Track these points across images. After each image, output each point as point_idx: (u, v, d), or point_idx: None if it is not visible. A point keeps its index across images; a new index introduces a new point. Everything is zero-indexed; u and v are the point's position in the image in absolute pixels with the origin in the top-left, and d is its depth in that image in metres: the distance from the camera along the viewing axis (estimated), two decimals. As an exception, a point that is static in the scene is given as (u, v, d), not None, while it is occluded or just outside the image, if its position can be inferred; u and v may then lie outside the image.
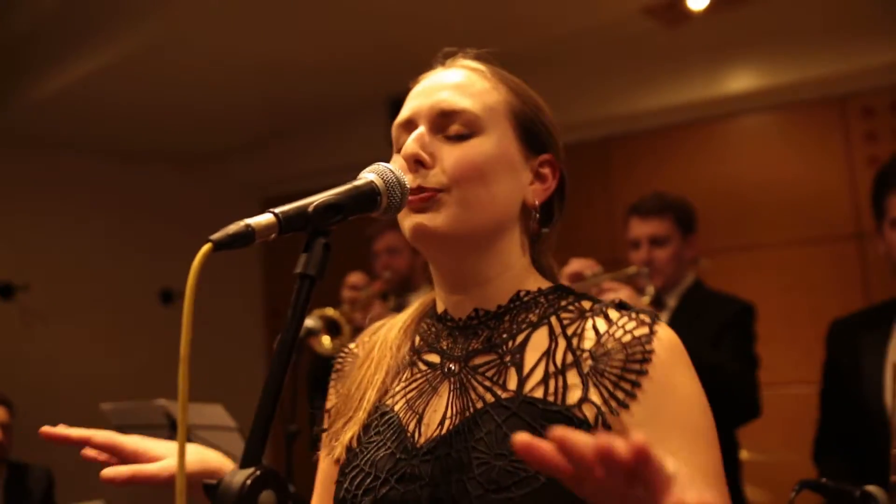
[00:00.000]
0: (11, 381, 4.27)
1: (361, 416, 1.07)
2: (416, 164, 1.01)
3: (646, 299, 2.46)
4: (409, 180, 0.99)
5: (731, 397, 2.32)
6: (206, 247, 0.80)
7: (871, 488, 1.51)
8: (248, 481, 0.76)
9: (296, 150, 5.93)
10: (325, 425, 1.16)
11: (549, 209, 1.11)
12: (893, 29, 4.16)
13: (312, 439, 1.19)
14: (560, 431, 0.64)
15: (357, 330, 2.87)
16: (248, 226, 0.83)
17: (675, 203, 2.65)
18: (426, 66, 1.15)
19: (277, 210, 0.86)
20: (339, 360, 1.20)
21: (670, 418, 0.94)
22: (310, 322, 2.75)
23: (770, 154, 4.64)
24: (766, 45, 4.48)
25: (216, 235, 0.81)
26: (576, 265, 2.37)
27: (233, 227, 0.82)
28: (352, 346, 1.21)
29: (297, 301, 0.85)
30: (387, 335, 1.14)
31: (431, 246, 1.03)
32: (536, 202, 1.06)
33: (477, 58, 1.12)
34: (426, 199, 0.99)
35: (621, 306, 1.02)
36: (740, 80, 4.62)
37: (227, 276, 4.92)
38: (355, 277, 3.29)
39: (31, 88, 4.74)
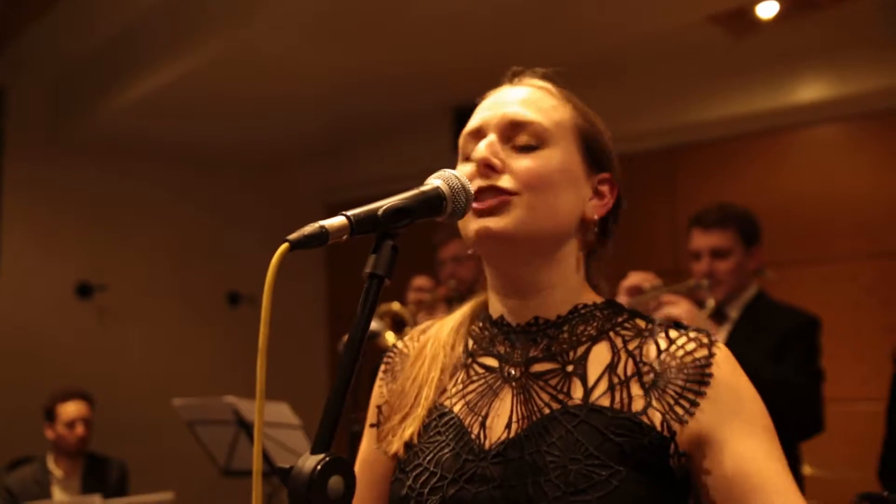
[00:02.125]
0: (89, 377, 4.41)
1: (421, 412, 1.08)
2: (487, 168, 1.03)
3: (706, 312, 2.45)
4: (474, 185, 1.02)
5: (795, 411, 2.29)
6: (284, 246, 0.84)
7: (935, 504, 1.50)
8: (319, 466, 0.80)
9: (359, 158, 6.02)
10: (374, 420, 1.17)
11: (604, 228, 1.13)
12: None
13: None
14: None
15: (421, 331, 2.87)
16: (322, 227, 0.86)
17: (737, 215, 2.63)
18: (491, 75, 1.17)
19: (349, 213, 0.89)
20: (389, 357, 1.21)
21: (747, 415, 0.98)
22: (374, 325, 2.78)
23: (841, 165, 4.54)
24: (837, 53, 4.39)
25: (293, 236, 0.85)
26: (634, 278, 2.37)
27: (308, 228, 0.85)
28: (399, 344, 1.22)
29: (367, 299, 0.88)
30: (438, 334, 1.16)
31: (494, 248, 1.05)
32: (595, 216, 1.09)
33: (544, 77, 1.15)
34: (496, 203, 1.01)
35: (678, 326, 1.05)
36: (810, 90, 4.53)
37: (292, 280, 5.00)
38: (421, 280, 3.33)
39: (112, 98, 4.90)
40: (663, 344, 1.02)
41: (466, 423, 1.05)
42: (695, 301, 2.43)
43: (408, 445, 1.07)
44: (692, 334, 1.02)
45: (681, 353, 1.00)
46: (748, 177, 4.70)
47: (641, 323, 1.07)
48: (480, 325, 1.14)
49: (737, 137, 4.82)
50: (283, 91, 4.86)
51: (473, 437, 1.03)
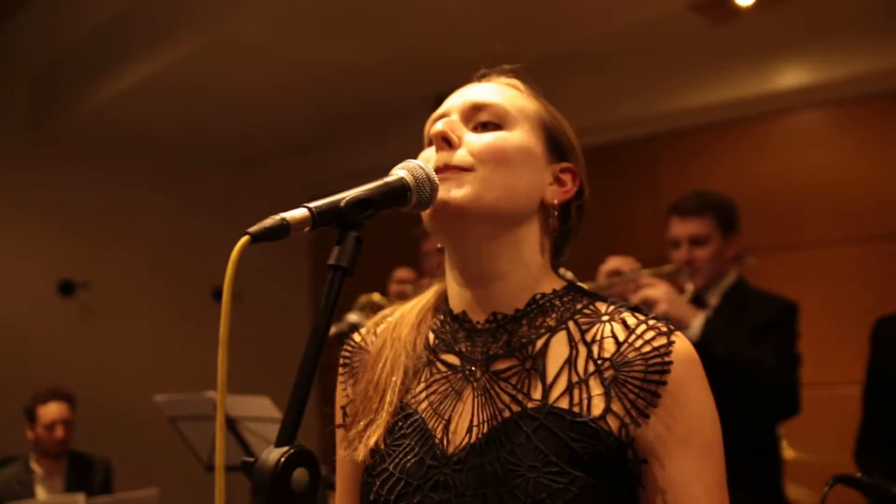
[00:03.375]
0: (71, 375, 4.41)
1: (385, 417, 1.06)
2: (444, 142, 1.03)
3: (685, 297, 2.46)
4: (431, 165, 1.01)
5: (771, 394, 2.30)
6: (244, 239, 0.83)
7: (907, 486, 1.51)
8: (283, 459, 0.79)
9: (344, 150, 5.99)
10: (339, 421, 1.16)
11: (566, 216, 1.12)
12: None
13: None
14: None
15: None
16: (283, 219, 0.85)
17: (715, 202, 2.63)
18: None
19: (311, 205, 0.88)
20: (346, 353, 1.19)
21: (684, 431, 0.96)
22: (353, 316, 2.78)
23: (821, 151, 4.55)
24: (816, 39, 4.38)
25: (253, 228, 0.84)
26: (614, 262, 2.37)
27: (269, 221, 0.85)
28: (357, 338, 1.20)
29: (330, 291, 0.88)
30: (398, 332, 1.13)
31: (450, 224, 1.03)
32: (555, 201, 1.07)
33: (510, 73, 1.15)
34: (450, 176, 1.01)
35: (636, 310, 1.04)
36: (791, 76, 4.53)
37: (275, 275, 5.01)
38: (403, 272, 3.31)
39: (94, 94, 4.87)
40: (622, 334, 1.01)
41: (430, 425, 1.04)
42: (675, 286, 2.43)
43: (374, 451, 1.05)
44: (651, 322, 1.01)
45: (639, 342, 0.99)
46: (729, 164, 4.71)
47: (602, 306, 1.06)
48: (441, 318, 1.12)
49: (718, 125, 4.83)
50: (266, 83, 4.84)
51: (437, 441, 1.02)
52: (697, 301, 2.54)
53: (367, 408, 1.10)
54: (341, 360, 1.19)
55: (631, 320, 1.02)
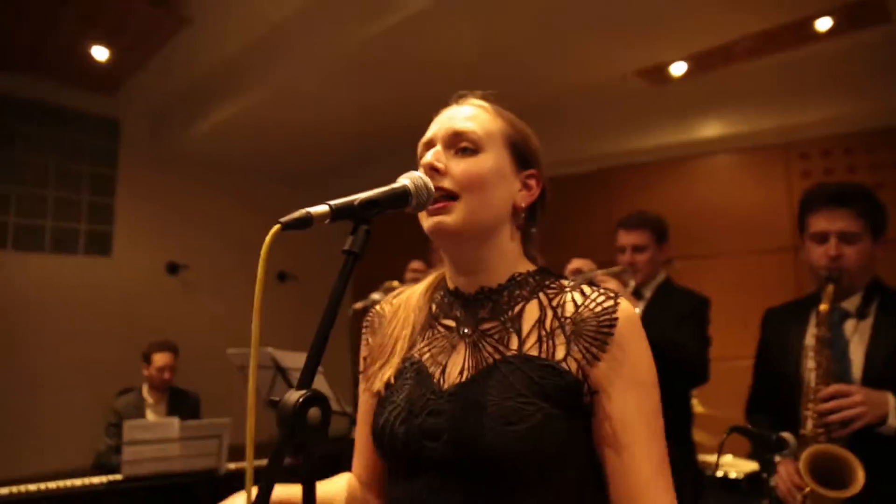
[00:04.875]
0: (174, 332, 4.38)
1: (396, 360, 1.04)
2: (432, 171, 0.99)
3: (628, 289, 2.39)
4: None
5: (688, 367, 2.25)
6: (276, 227, 0.79)
7: (784, 434, 1.45)
8: (301, 399, 0.75)
9: (380, 169, 5.95)
10: (361, 368, 1.13)
11: (533, 212, 1.07)
12: (826, 93, 4.06)
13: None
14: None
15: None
16: (308, 213, 0.81)
17: (652, 219, 2.57)
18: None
19: (332, 202, 0.84)
20: (368, 318, 1.16)
21: (627, 372, 0.92)
22: (376, 296, 2.73)
23: (730, 185, 4.56)
24: (730, 102, 4.40)
25: (284, 219, 0.80)
26: (576, 263, 2.32)
27: (297, 213, 0.80)
28: (377, 308, 1.17)
29: (343, 271, 0.83)
30: (409, 300, 1.12)
31: (445, 238, 1.00)
32: (523, 204, 1.03)
33: (482, 97, 1.09)
34: (441, 207, 0.98)
35: (591, 284, 1.00)
36: (709, 129, 4.52)
37: (323, 260, 4.97)
38: (416, 264, 3.26)
39: (195, 126, 4.87)
40: (579, 299, 0.97)
41: (430, 370, 1.00)
42: (620, 281, 2.37)
43: (387, 385, 1.03)
44: (602, 290, 0.97)
45: (592, 304, 0.95)
46: (662, 192, 4.70)
47: (565, 283, 1.02)
48: (441, 294, 1.09)
49: (654, 163, 4.81)
50: (318, 119, 4.79)
51: (435, 380, 0.99)
52: (636, 294, 2.48)
53: (383, 353, 1.07)
54: (365, 323, 1.16)
55: (587, 289, 0.98)
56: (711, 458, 3.26)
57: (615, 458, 0.91)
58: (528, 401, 0.89)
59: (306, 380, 0.79)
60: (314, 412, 0.77)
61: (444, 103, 1.09)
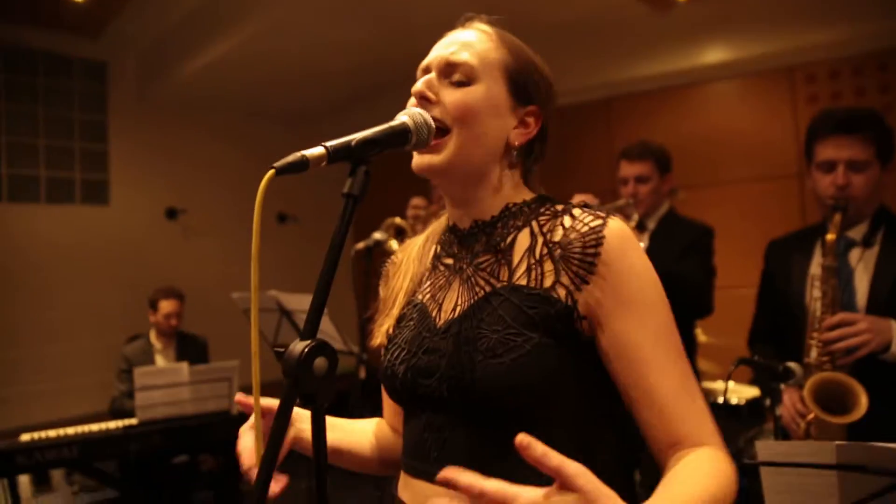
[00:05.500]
0: (175, 277, 4.40)
1: (395, 311, 1.04)
2: (422, 100, 0.95)
3: (632, 223, 2.36)
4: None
5: (693, 298, 2.25)
6: (270, 172, 0.75)
7: (791, 364, 1.46)
8: (306, 349, 0.74)
9: (376, 108, 5.81)
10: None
11: (530, 150, 1.01)
12: (831, 14, 3.92)
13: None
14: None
15: (418, 238, 2.79)
16: (303, 156, 0.77)
17: (654, 149, 2.51)
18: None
19: (328, 144, 0.80)
20: (385, 268, 1.15)
21: (624, 294, 0.87)
22: (378, 235, 2.69)
23: (734, 112, 4.45)
24: (733, 26, 4.25)
25: (278, 163, 0.75)
26: (578, 198, 2.27)
27: (291, 157, 0.76)
28: (391, 258, 1.16)
29: (344, 215, 0.80)
30: (409, 252, 1.10)
31: (434, 175, 0.97)
32: (516, 143, 0.97)
33: (488, 23, 1.02)
34: (434, 146, 0.93)
35: (585, 206, 0.95)
36: (712, 54, 4.40)
37: (325, 201, 4.94)
38: (418, 200, 3.20)
39: (184, 65, 4.73)
40: (568, 222, 0.92)
41: (429, 308, 0.99)
42: (624, 216, 2.33)
43: (389, 336, 1.02)
44: (591, 211, 0.92)
45: (580, 225, 0.90)
46: (665, 120, 4.61)
47: (559, 207, 0.97)
48: (443, 234, 1.07)
49: (657, 90, 4.69)
50: (314, 57, 4.65)
51: (432, 318, 0.97)
52: (640, 226, 2.45)
53: (386, 305, 1.07)
54: (382, 273, 1.15)
55: (577, 212, 0.93)
56: (714, 386, 3.32)
57: (629, 385, 0.86)
58: (516, 332, 0.86)
59: (311, 329, 0.77)
60: (320, 362, 0.75)
61: (429, 38, 1.03)
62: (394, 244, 2.78)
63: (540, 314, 0.87)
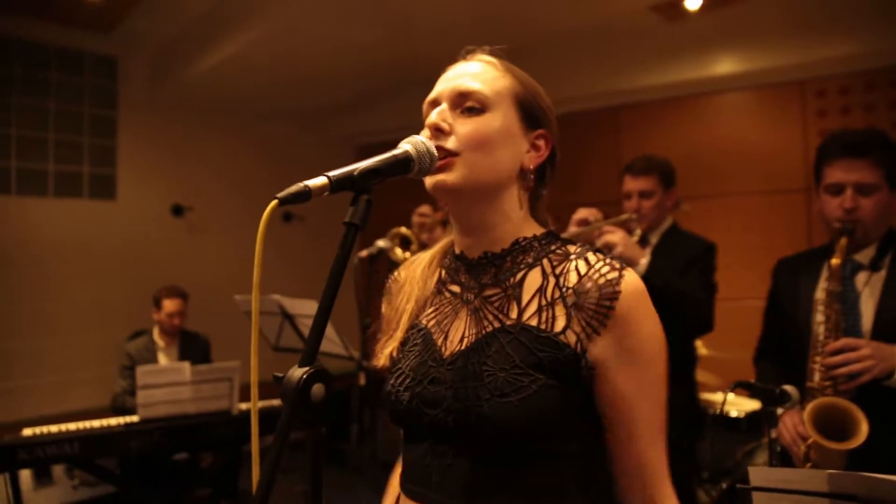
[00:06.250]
0: (180, 275, 4.41)
1: (399, 334, 1.04)
2: (437, 131, 0.95)
3: (635, 238, 2.36)
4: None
5: (693, 315, 2.24)
6: (273, 203, 0.75)
7: (787, 387, 1.46)
8: (304, 376, 0.75)
9: (382, 109, 5.83)
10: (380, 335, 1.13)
11: (542, 173, 1.02)
12: (843, 29, 3.88)
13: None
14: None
15: (422, 245, 2.81)
16: (306, 186, 0.77)
17: (659, 164, 2.50)
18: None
19: (331, 174, 0.80)
20: (387, 284, 1.15)
21: (629, 347, 0.89)
22: (382, 243, 2.70)
23: (743, 124, 4.42)
24: (745, 38, 4.20)
25: (281, 194, 0.76)
26: (582, 213, 2.27)
27: (294, 188, 0.77)
28: (395, 274, 1.16)
29: (344, 243, 0.80)
30: (414, 272, 1.10)
31: (446, 196, 0.97)
32: (531, 166, 0.99)
33: (491, 53, 1.03)
34: (443, 164, 0.94)
35: (598, 252, 0.96)
36: (723, 65, 4.35)
37: (331, 202, 4.94)
38: (424, 208, 3.21)
39: (194, 65, 4.74)
40: (583, 268, 0.93)
41: (434, 336, 1.00)
42: (626, 230, 2.33)
43: (392, 358, 1.03)
44: (608, 260, 0.93)
45: (596, 275, 0.91)
46: (674, 130, 4.58)
47: (571, 248, 0.98)
48: (448, 259, 1.07)
49: (666, 100, 4.66)
50: (323, 58, 4.66)
51: (437, 347, 0.98)
52: (642, 240, 2.44)
53: (388, 327, 1.07)
54: (385, 291, 1.15)
55: (592, 258, 0.94)
56: (715, 397, 3.31)
57: (615, 431, 0.91)
58: (523, 371, 0.88)
59: (310, 355, 0.78)
60: (318, 388, 0.76)
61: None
62: (398, 252, 2.79)
63: (549, 357, 0.89)
